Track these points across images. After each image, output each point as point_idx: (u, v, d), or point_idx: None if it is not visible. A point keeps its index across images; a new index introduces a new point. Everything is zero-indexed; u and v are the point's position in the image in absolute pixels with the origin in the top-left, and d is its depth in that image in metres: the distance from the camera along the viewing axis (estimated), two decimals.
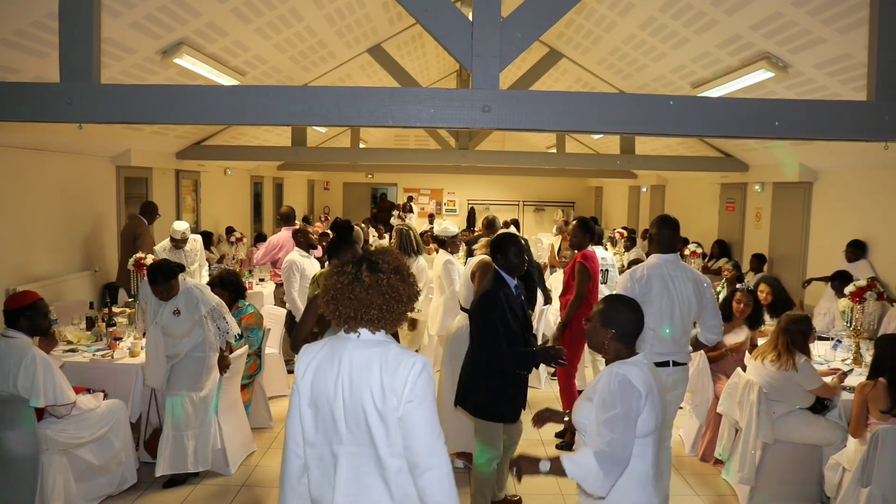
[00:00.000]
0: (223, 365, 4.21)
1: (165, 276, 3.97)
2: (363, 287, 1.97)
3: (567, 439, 4.91)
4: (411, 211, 14.62)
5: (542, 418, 2.71)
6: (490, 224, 6.31)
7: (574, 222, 5.22)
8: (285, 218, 7.38)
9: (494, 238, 3.87)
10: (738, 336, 4.75)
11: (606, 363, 2.43)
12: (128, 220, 7.36)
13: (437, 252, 8.87)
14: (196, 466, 4.10)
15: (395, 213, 14.37)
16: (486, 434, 3.60)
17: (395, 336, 3.34)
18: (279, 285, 6.91)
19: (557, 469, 2.22)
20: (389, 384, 1.90)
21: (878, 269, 6.26)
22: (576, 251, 5.08)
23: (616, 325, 2.37)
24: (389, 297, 1.98)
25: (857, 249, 6.48)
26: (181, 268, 4.17)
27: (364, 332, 2.01)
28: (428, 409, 1.92)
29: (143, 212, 7.15)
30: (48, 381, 3.47)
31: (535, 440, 5.01)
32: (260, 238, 10.19)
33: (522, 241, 3.87)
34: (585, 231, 5.04)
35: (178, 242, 6.42)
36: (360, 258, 2.05)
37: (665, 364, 3.72)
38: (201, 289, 4.19)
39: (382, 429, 1.91)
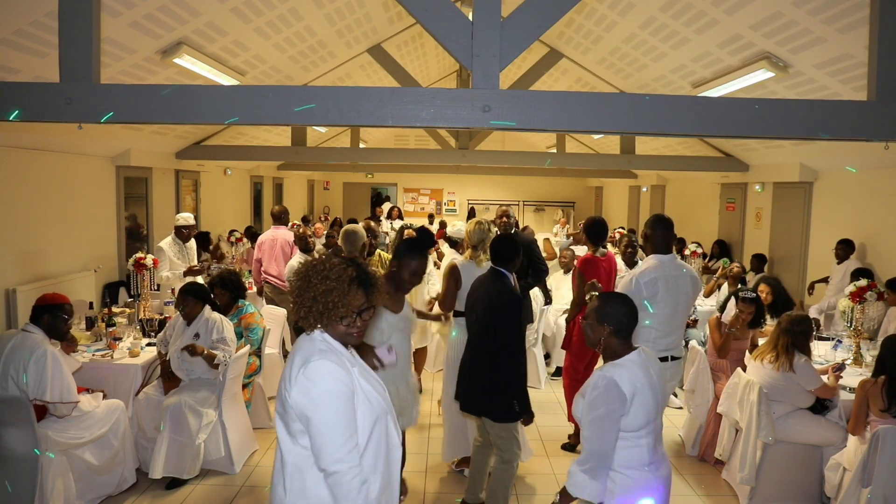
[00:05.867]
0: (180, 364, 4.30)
1: (199, 295, 4.36)
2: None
3: (572, 441, 4.91)
4: (389, 217, 12.84)
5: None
6: (504, 214, 6.02)
7: (584, 222, 5.13)
8: (275, 217, 7.25)
9: (496, 240, 3.85)
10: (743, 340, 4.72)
11: (604, 360, 2.51)
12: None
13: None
14: (190, 473, 4.16)
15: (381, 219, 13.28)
16: (509, 434, 3.58)
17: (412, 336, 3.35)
18: (264, 283, 6.83)
19: (566, 495, 2.41)
20: (289, 383, 1.97)
21: (879, 270, 6.25)
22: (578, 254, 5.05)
23: (612, 321, 2.45)
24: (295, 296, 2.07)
25: (847, 248, 6.50)
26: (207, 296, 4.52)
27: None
28: (325, 418, 1.91)
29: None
30: (56, 377, 3.53)
31: (537, 442, 5.01)
32: (252, 237, 10.15)
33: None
34: (589, 233, 4.96)
35: (184, 234, 6.35)
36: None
37: (664, 359, 3.87)
38: (221, 319, 4.42)
39: (282, 423, 2.01)
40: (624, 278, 4.06)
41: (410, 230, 6.06)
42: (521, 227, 12.01)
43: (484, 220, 4.71)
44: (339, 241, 5.41)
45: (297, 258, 6.02)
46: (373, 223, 6.75)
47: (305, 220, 13.24)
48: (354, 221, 8.20)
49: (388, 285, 3.30)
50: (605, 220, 5.11)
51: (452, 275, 4.43)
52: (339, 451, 1.90)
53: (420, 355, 5.99)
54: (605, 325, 2.45)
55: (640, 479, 2.37)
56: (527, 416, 3.57)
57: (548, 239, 9.82)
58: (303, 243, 6.17)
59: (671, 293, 3.83)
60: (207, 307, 4.41)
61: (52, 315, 3.69)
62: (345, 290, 2.02)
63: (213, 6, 5.01)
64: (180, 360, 4.26)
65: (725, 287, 6.77)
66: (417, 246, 3.41)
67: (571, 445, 4.88)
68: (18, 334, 3.62)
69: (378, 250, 5.81)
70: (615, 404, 2.31)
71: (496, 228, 4.86)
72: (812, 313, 5.90)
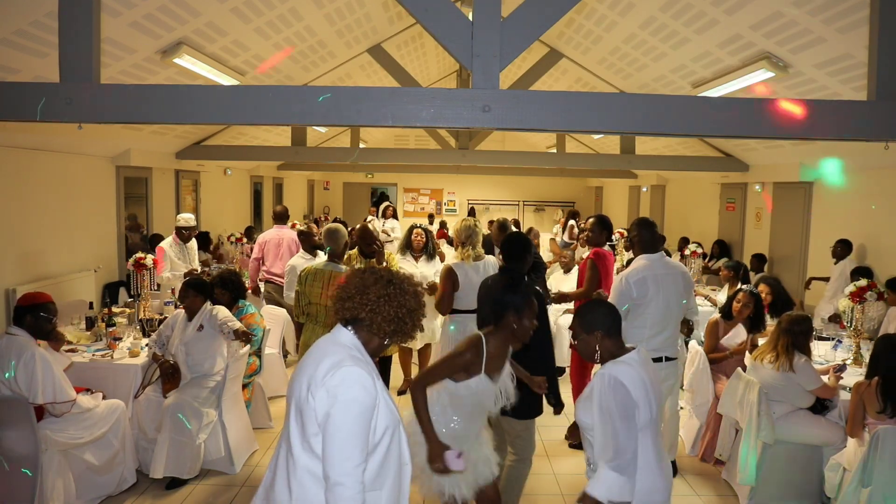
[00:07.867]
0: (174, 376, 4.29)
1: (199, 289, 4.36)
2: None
3: (573, 441, 4.91)
4: (383, 216, 12.07)
5: None
6: (501, 227, 6.05)
7: (592, 219, 5.17)
8: (278, 217, 7.27)
9: (506, 239, 3.87)
10: (739, 337, 4.73)
11: (602, 363, 2.49)
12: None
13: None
14: (190, 474, 4.16)
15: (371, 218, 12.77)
16: (527, 433, 3.58)
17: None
18: (266, 282, 6.82)
19: (588, 500, 2.28)
20: (314, 384, 1.94)
21: (879, 270, 6.25)
22: (591, 247, 5.05)
23: (600, 325, 2.46)
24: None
25: (845, 247, 6.50)
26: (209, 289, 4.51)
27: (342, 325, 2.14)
28: (344, 426, 1.89)
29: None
30: (47, 379, 3.49)
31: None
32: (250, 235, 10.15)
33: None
34: (602, 228, 5.01)
35: (185, 235, 6.35)
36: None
37: (658, 360, 3.91)
38: (221, 308, 4.44)
39: (298, 419, 1.96)
40: (615, 280, 4.13)
41: (419, 229, 5.95)
42: (521, 228, 12.05)
43: (470, 218, 4.78)
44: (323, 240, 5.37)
45: (300, 256, 5.97)
46: (369, 224, 6.70)
47: (316, 222, 13.19)
48: (342, 222, 8.17)
49: (506, 343, 2.98)
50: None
51: (449, 277, 4.50)
52: (349, 464, 1.88)
53: (425, 353, 5.97)
54: (595, 332, 2.46)
55: (648, 480, 2.33)
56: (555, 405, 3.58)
57: (553, 239, 9.85)
58: (307, 241, 6.06)
59: (662, 291, 3.92)
60: (208, 301, 4.42)
61: (33, 315, 3.60)
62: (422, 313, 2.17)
63: (213, 6, 5.01)
64: (186, 356, 4.29)
65: (726, 289, 6.75)
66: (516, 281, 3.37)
67: (578, 445, 4.88)
68: (3, 338, 3.55)
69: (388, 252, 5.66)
70: (627, 401, 2.30)
71: (484, 226, 4.93)
72: (816, 323, 5.88)
